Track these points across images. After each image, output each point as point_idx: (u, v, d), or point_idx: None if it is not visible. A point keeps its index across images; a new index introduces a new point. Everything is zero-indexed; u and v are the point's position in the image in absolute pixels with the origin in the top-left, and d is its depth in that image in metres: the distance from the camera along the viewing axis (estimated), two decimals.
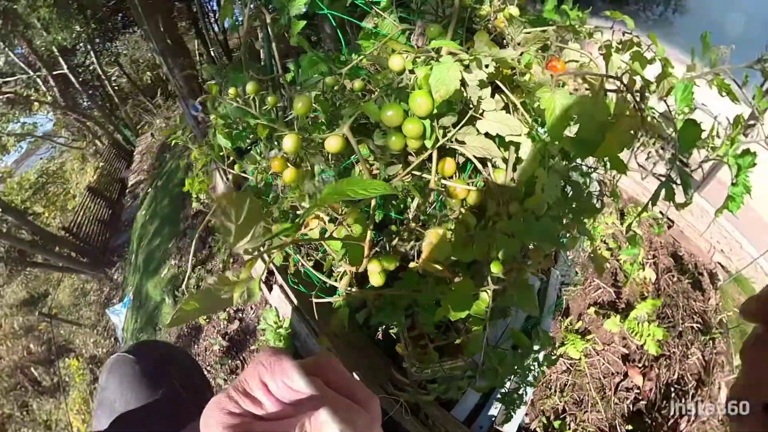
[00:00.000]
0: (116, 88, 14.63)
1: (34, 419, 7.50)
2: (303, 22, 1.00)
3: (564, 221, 0.99)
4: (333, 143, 0.88)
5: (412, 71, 0.79)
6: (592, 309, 2.51)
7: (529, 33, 0.91)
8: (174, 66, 3.84)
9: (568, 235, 1.09)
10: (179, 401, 0.98)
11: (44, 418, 7.29)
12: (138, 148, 13.24)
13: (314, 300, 1.18)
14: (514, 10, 0.93)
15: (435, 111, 0.78)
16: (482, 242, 0.83)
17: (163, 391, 0.96)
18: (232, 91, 1.31)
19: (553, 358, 1.81)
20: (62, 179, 13.58)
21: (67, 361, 7.02)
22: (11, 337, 9.18)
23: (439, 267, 0.78)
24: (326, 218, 0.82)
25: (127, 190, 11.55)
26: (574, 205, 1.00)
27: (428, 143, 0.82)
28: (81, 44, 11.64)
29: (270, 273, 2.08)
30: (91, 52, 12.07)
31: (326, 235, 0.92)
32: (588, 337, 2.32)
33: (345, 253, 0.89)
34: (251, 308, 2.60)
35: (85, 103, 14.45)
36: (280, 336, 2.13)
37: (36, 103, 12.50)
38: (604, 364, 2.27)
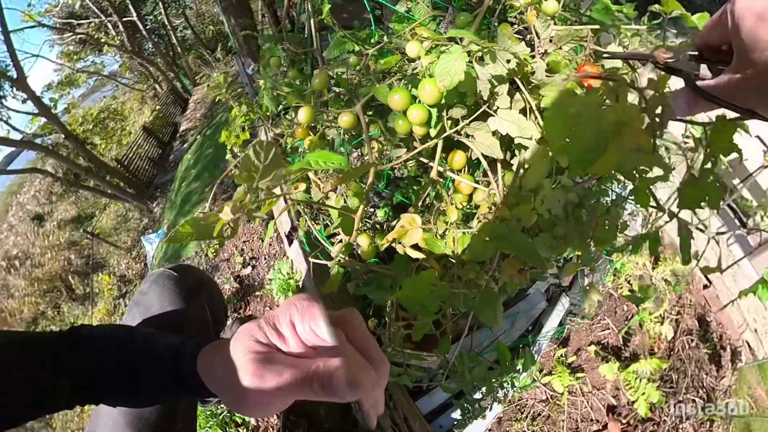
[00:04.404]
0: (180, 38, 14.71)
1: (63, 320, 7.89)
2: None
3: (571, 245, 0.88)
4: (345, 119, 0.86)
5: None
6: (593, 348, 2.20)
7: (560, 30, 0.77)
8: (235, 24, 3.79)
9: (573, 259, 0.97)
10: (204, 321, 1.04)
11: (71, 321, 7.68)
12: (193, 96, 13.38)
13: (312, 260, 1.18)
14: (551, 6, 0.78)
15: (443, 101, 0.74)
16: (476, 240, 0.76)
17: (194, 309, 1.02)
18: (273, 60, 1.30)
19: (530, 382, 1.67)
20: (121, 116, 13.80)
21: (101, 275, 7.28)
22: (57, 248, 9.59)
23: (418, 254, 0.75)
24: (321, 185, 0.80)
25: (178, 134, 11.71)
26: (593, 234, 0.88)
27: (432, 132, 0.79)
28: None
29: (293, 229, 2.13)
30: (160, 3, 12.11)
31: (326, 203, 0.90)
32: (579, 374, 2.07)
33: (339, 222, 0.87)
34: (265, 259, 2.62)
35: (149, 50, 14.60)
36: (289, 286, 2.14)
37: (105, 46, 12.66)
38: (586, 407, 2.01)
